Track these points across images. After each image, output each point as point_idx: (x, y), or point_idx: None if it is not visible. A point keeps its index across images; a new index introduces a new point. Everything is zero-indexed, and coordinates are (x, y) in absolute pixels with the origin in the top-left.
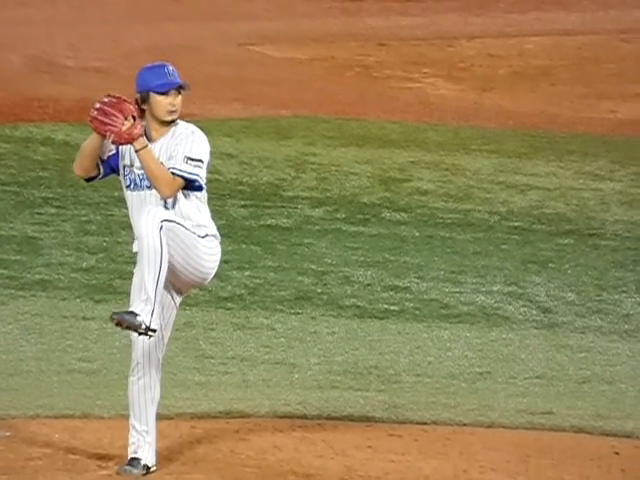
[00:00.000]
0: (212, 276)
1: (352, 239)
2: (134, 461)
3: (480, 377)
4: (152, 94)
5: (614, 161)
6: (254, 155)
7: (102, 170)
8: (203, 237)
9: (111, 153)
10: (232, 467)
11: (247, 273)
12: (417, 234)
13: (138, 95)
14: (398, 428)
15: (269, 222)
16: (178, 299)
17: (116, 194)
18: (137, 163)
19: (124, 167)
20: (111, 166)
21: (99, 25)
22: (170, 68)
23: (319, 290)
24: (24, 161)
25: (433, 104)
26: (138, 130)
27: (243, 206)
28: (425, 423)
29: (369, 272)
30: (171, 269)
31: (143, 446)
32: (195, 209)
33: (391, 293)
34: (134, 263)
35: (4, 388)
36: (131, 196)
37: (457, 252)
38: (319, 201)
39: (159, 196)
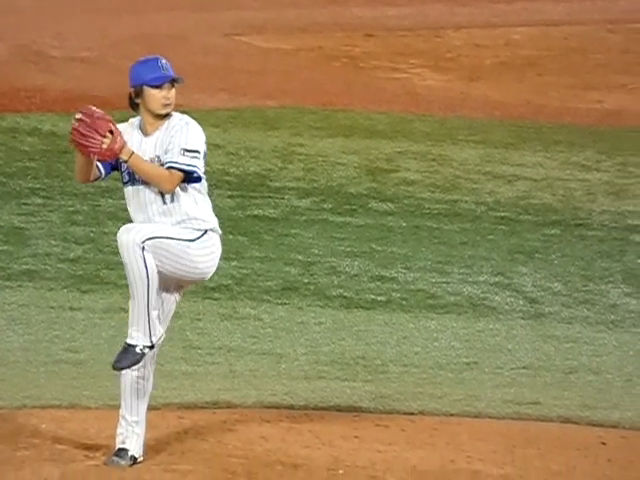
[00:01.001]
0: (213, 271)
1: (339, 229)
2: (121, 452)
3: (467, 367)
4: (146, 88)
5: (601, 151)
6: (241, 145)
7: (103, 171)
8: (195, 239)
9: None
10: (219, 457)
11: (234, 263)
12: (404, 224)
13: (132, 89)
14: (385, 418)
15: (256, 212)
16: (179, 292)
17: (103, 185)
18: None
19: (121, 163)
20: (111, 164)
21: (86, 15)
22: (163, 61)
23: (306, 280)
24: (11, 151)
25: (420, 94)
26: (118, 144)
27: (230, 196)
28: (412, 413)
29: (356, 262)
30: (166, 275)
31: (131, 437)
32: (192, 202)
33: (378, 283)
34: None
35: None
36: (129, 191)
37: (444, 242)
38: (306, 191)
39: (156, 190)
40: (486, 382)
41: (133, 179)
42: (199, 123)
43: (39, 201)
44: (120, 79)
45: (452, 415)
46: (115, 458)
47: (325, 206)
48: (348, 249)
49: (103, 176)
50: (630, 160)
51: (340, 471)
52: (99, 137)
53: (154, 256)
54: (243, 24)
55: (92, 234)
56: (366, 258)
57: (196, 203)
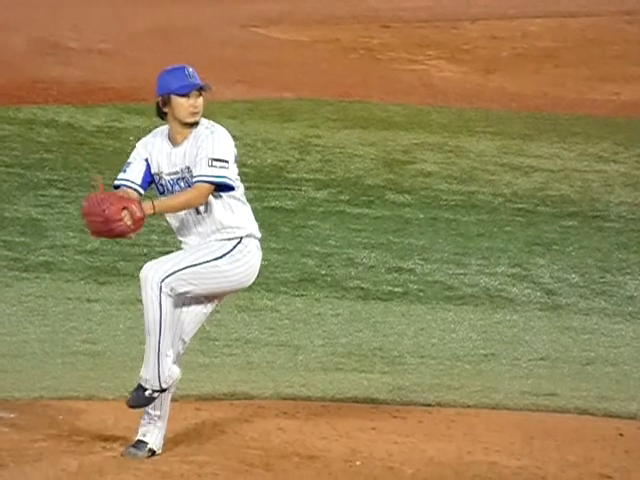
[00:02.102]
0: (252, 279)
1: (356, 221)
2: (140, 444)
3: (484, 359)
4: (173, 96)
5: (618, 143)
6: (258, 137)
7: (142, 190)
8: (223, 255)
9: (142, 173)
10: (236, 449)
11: None
12: (421, 216)
13: (159, 98)
14: (402, 410)
15: (273, 204)
16: (212, 303)
17: None
18: (165, 169)
19: (154, 175)
20: (147, 180)
21: (103, 7)
22: (190, 70)
23: (323, 272)
24: (28, 143)
25: (437, 86)
26: (139, 213)
27: (247, 188)
28: (429, 405)
29: (373, 254)
30: (203, 294)
31: (152, 431)
32: (227, 211)
33: (395, 275)
34: (139, 245)
35: (8, 370)
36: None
37: (461, 234)
38: (323, 183)
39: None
40: (503, 374)
41: (166, 189)
42: (216, 115)
43: (56, 193)
44: (136, 71)
45: (469, 407)
46: (132, 449)
47: (342, 198)
48: (365, 240)
49: (144, 193)
50: None
51: (357, 462)
52: (119, 222)
53: (183, 284)
54: (260, 16)
55: None
56: (383, 249)
57: (232, 211)
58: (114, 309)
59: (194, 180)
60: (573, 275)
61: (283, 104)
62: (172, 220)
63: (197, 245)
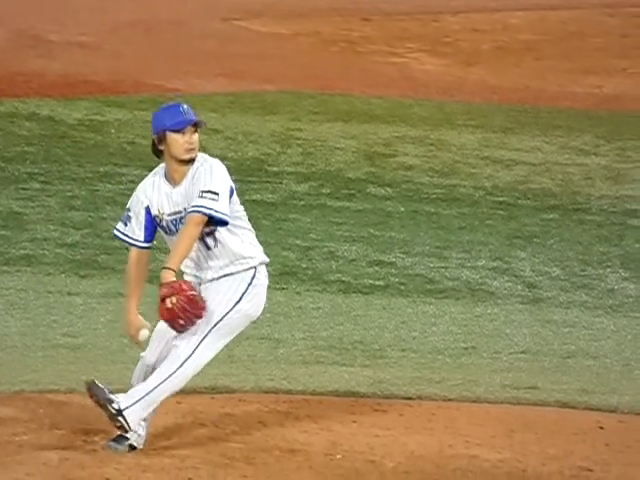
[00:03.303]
0: (262, 307)
1: (337, 214)
2: (121, 438)
3: (465, 352)
4: (168, 133)
5: (599, 136)
6: (239, 130)
7: (147, 244)
8: (242, 296)
9: (143, 227)
10: (217, 442)
11: None
12: (402, 209)
13: (155, 136)
14: (383, 403)
15: (254, 197)
16: None
17: (101, 169)
18: (167, 210)
19: (155, 217)
20: (151, 230)
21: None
22: (185, 106)
23: (304, 265)
24: (9, 136)
25: (418, 79)
26: (172, 290)
27: None
28: (410, 398)
29: (354, 247)
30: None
31: (136, 430)
32: (238, 241)
33: (376, 268)
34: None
35: None
36: (169, 240)
37: (442, 227)
38: (304, 176)
39: (199, 238)
40: (484, 367)
41: (169, 230)
42: (197, 108)
43: (37, 186)
44: (118, 64)
45: (450, 400)
46: (113, 444)
47: (323, 191)
48: (346, 234)
49: (151, 245)
50: (629, 144)
51: (338, 456)
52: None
53: (219, 338)
54: (241, 9)
55: (90, 219)
56: (364, 243)
57: (242, 241)
58: (95, 302)
59: (188, 211)
60: (554, 268)
61: (264, 97)
62: (184, 260)
63: (214, 292)
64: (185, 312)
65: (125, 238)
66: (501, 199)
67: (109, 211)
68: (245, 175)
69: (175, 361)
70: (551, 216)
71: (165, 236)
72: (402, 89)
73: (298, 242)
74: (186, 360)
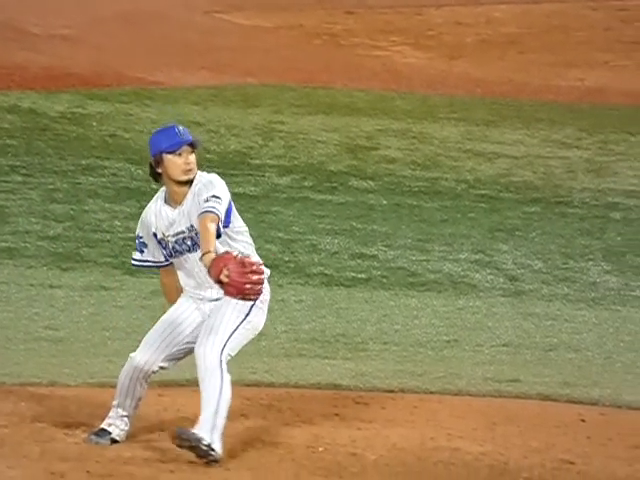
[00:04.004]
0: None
1: (319, 207)
2: (103, 432)
3: (447, 345)
4: (165, 155)
5: (581, 129)
6: (221, 123)
7: (168, 262)
8: (251, 308)
9: (159, 249)
10: None
11: None
12: (384, 202)
13: (152, 159)
14: (365, 396)
15: (236, 190)
16: None
17: (83, 162)
18: (170, 232)
19: (160, 240)
20: (163, 252)
21: None
22: (180, 128)
23: (286, 258)
24: None
25: (401, 72)
26: (214, 269)
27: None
28: (392, 391)
29: (336, 240)
30: None
31: (118, 425)
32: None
33: (358, 261)
34: (102, 231)
35: None
36: (175, 262)
37: (424, 220)
38: (286, 169)
39: (198, 256)
40: (466, 360)
41: (175, 251)
42: (179, 101)
43: (19, 179)
44: (100, 57)
45: (432, 393)
46: (94, 437)
47: (306, 184)
48: (328, 227)
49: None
50: (611, 138)
51: (320, 449)
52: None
53: (234, 347)
54: (223, 2)
55: (72, 212)
56: (346, 236)
57: (249, 256)
58: (77, 295)
59: (198, 215)
60: (536, 261)
61: (247, 90)
62: (188, 280)
63: (222, 305)
64: (244, 275)
65: (148, 264)
66: (483, 192)
67: (91, 204)
68: (228, 168)
69: (215, 372)
70: (533, 209)
71: (174, 261)
72: (385, 82)
73: (280, 235)
74: (221, 367)
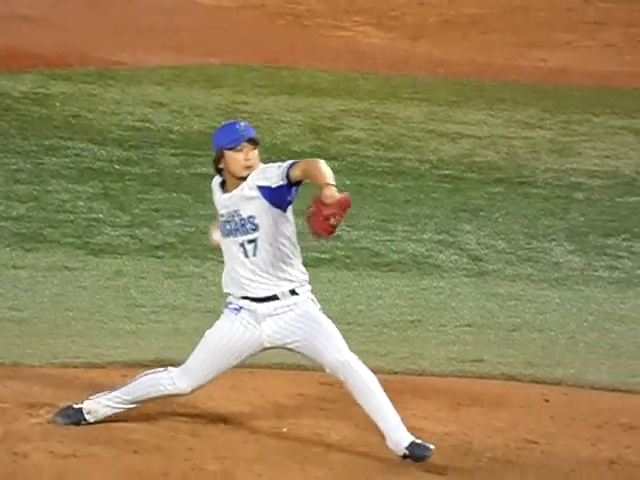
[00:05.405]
0: None
1: None
2: (67, 410)
3: (411, 325)
4: (226, 151)
5: (544, 109)
6: (185, 104)
7: None
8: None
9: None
10: (163, 415)
11: (178, 222)
12: (348, 182)
13: (215, 155)
14: (329, 376)
15: (200, 170)
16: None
17: (46, 142)
18: (222, 212)
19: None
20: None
21: None
22: (242, 124)
23: None
24: None
25: (364, 53)
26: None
27: (174, 154)
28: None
29: (300, 220)
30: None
31: (101, 410)
32: (278, 257)
33: (322, 241)
34: (65, 212)
35: None
36: (224, 244)
37: (388, 200)
38: None
39: (238, 243)
40: (430, 340)
41: (226, 230)
42: (142, 82)
43: None
44: (63, 37)
45: (396, 373)
46: (58, 418)
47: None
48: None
49: None
50: (573, 118)
51: (284, 429)
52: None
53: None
54: None
55: (35, 192)
56: None
57: (285, 261)
58: (40, 276)
59: (289, 164)
60: (499, 241)
61: (210, 70)
62: (232, 275)
63: (299, 320)
64: (340, 221)
65: None
66: (446, 172)
67: (54, 184)
68: (191, 148)
69: (364, 372)
70: (496, 189)
71: (224, 242)
72: (348, 63)
73: None
74: (360, 364)
